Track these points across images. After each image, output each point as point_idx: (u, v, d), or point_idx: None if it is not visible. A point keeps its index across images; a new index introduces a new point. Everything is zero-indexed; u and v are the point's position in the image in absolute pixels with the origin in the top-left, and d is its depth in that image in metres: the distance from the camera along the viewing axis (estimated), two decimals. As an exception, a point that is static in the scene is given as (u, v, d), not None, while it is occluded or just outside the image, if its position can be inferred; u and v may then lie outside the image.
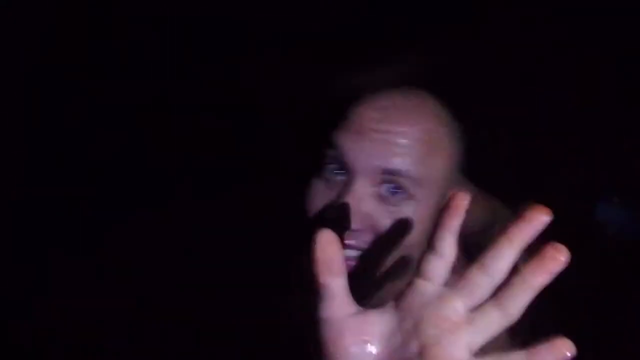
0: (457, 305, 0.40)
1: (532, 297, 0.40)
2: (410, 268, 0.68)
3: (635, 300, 1.40)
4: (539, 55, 1.59)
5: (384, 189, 0.63)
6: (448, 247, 0.44)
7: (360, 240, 0.64)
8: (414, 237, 0.65)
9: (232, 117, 1.72)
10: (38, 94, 1.74)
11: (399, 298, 0.43)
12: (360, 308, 0.44)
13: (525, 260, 0.39)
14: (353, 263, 0.64)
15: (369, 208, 0.63)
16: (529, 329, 0.47)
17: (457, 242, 0.93)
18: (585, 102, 1.57)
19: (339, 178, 0.65)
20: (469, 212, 0.95)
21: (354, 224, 0.63)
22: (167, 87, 1.72)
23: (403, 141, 0.62)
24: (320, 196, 0.66)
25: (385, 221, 0.63)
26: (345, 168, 0.65)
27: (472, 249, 1.11)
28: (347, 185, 0.64)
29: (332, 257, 0.43)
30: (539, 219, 0.40)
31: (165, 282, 1.59)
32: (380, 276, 0.68)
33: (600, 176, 1.38)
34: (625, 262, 1.35)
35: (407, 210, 0.63)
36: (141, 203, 1.71)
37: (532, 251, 0.41)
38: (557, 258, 0.39)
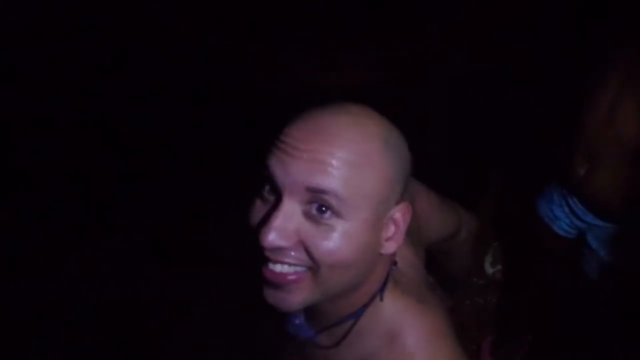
0: None
1: None
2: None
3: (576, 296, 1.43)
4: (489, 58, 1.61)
5: (311, 207, 0.65)
6: None
7: (292, 256, 0.66)
8: (347, 255, 0.66)
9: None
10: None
11: None
12: None
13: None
14: (292, 277, 0.67)
15: (297, 225, 0.65)
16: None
17: (424, 249, 0.92)
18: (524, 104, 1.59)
19: (272, 197, 0.68)
20: (432, 220, 0.96)
21: (283, 242, 0.65)
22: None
23: (328, 160, 0.64)
24: (256, 214, 0.69)
25: (314, 239, 0.65)
26: (275, 187, 0.67)
27: (441, 257, 1.12)
28: (275, 204, 0.66)
29: None
30: None
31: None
32: None
33: (541, 175, 1.40)
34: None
35: (336, 228, 0.65)
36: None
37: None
38: None
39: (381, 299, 0.74)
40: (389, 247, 0.70)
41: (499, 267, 1.74)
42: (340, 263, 0.66)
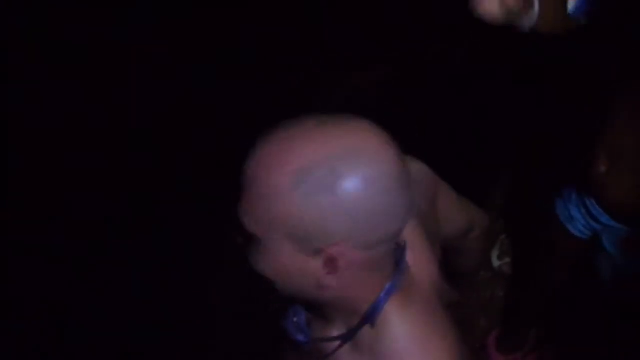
0: None
1: None
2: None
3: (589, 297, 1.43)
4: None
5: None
6: None
7: None
8: (267, 271, 0.66)
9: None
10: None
11: None
12: None
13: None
14: None
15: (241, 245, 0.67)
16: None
17: (438, 248, 0.91)
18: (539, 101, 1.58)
19: None
20: (450, 218, 0.95)
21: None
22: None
23: (246, 190, 0.63)
24: None
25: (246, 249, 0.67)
26: None
27: (451, 254, 1.12)
28: None
29: None
30: None
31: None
32: None
33: (559, 173, 1.39)
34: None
35: (255, 245, 0.65)
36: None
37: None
38: None
39: (372, 326, 0.70)
40: (329, 281, 0.64)
41: (506, 260, 1.74)
42: (267, 276, 0.67)
